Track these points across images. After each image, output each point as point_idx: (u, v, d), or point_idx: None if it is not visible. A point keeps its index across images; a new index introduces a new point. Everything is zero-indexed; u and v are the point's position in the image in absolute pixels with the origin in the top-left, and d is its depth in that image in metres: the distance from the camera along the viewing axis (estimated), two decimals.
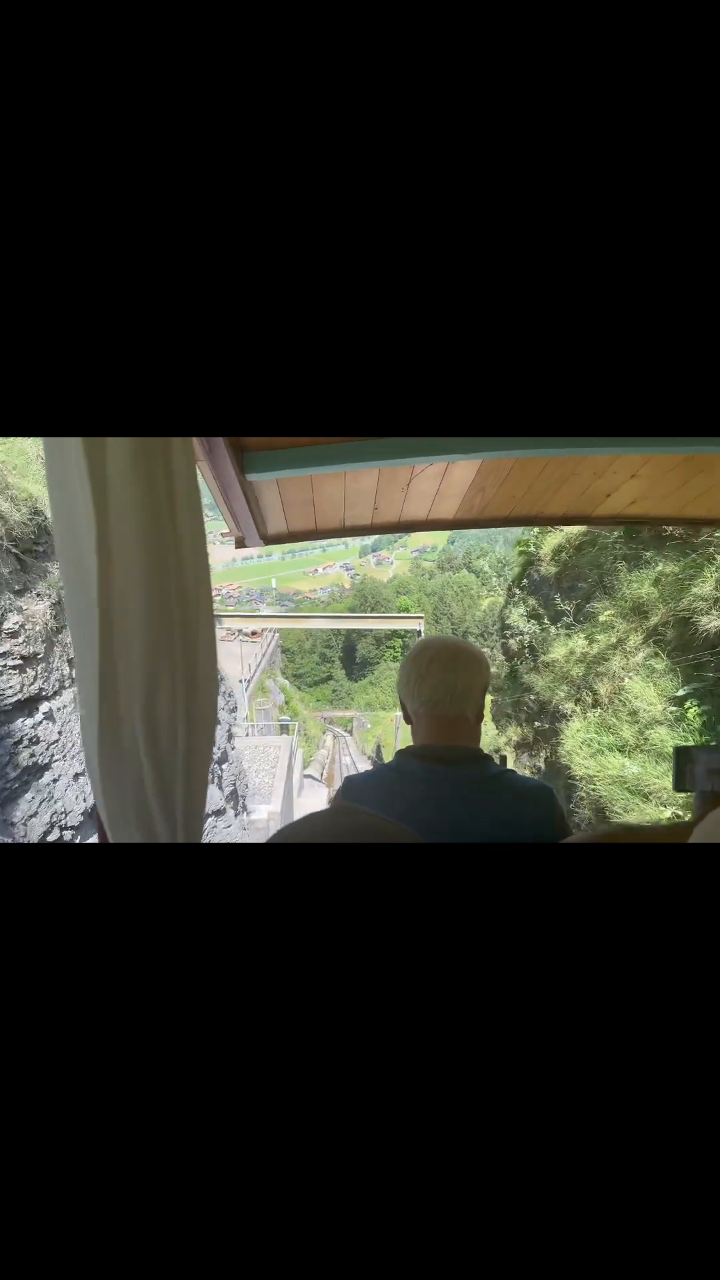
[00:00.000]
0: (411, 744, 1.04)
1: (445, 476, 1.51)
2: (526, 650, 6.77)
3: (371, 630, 54.78)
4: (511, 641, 7.52)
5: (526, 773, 6.98)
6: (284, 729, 14.85)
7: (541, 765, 6.15)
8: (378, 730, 34.35)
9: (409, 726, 1.06)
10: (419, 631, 11.62)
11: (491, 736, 8.16)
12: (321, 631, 56.57)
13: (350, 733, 38.01)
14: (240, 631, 19.83)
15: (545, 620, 6.39)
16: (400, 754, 1.01)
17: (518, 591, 7.50)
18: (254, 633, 19.48)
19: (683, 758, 0.90)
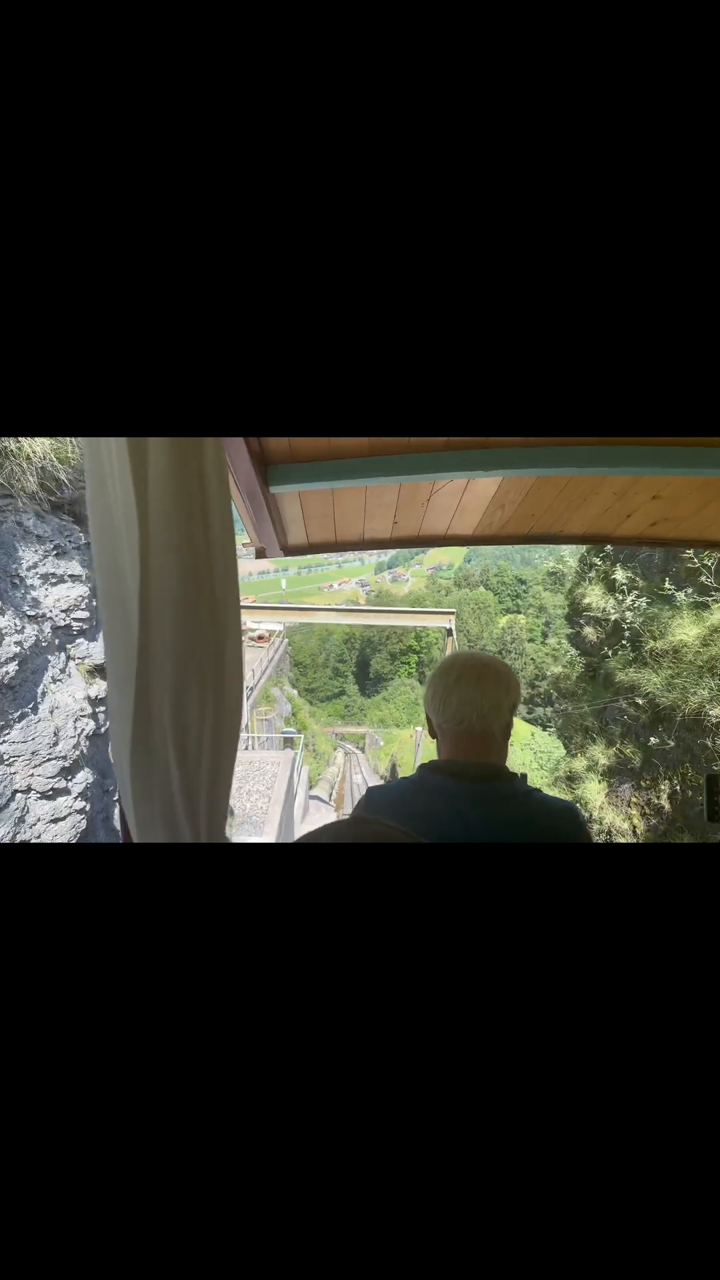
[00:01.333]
0: (436, 759, 0.99)
1: (466, 492, 1.47)
2: (624, 638, 4.68)
3: (386, 645, 52.84)
4: (589, 630, 5.41)
5: (634, 817, 5.04)
6: (288, 742, 12.75)
7: (664, 804, 4.03)
8: (392, 747, 32.13)
9: (432, 742, 1.03)
10: (449, 630, 9.57)
11: (555, 759, 6.03)
12: (335, 645, 54.81)
13: (363, 749, 36.08)
14: (245, 634, 17.91)
15: (666, 588, 4.30)
16: (423, 768, 0.96)
17: (597, 563, 5.44)
18: (260, 636, 17.53)
19: (715, 787, 0.89)
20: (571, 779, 4.95)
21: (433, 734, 1.01)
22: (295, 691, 21.87)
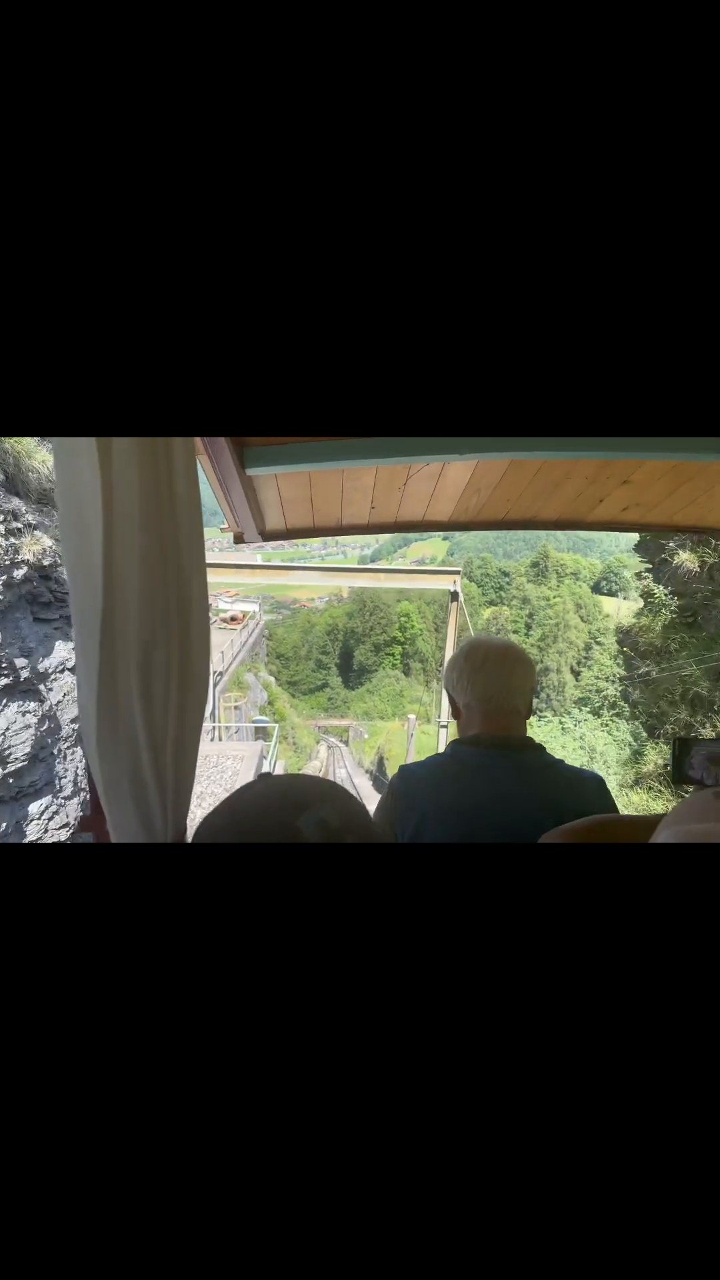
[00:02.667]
0: (462, 736, 1.03)
1: (441, 477, 1.49)
2: None
3: (370, 637, 51.29)
4: (685, 556, 3.66)
5: None
6: (260, 732, 10.84)
7: None
8: (378, 740, 30.35)
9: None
10: (454, 592, 7.95)
11: (624, 753, 4.29)
12: (318, 637, 53.03)
13: (346, 743, 34.40)
14: (216, 616, 15.94)
15: None
16: (454, 743, 1.00)
17: None
18: (233, 618, 15.64)
19: (682, 749, 0.89)
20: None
21: (456, 714, 1.05)
22: (273, 679, 19.67)
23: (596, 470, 1.42)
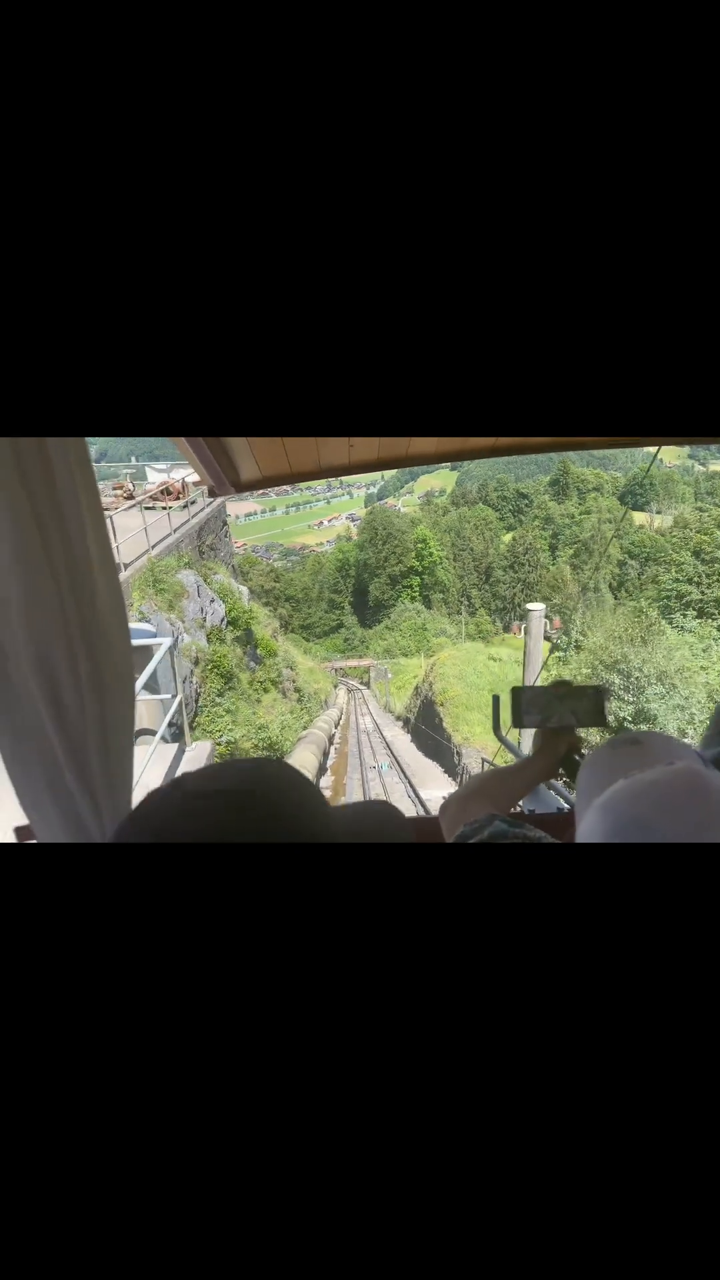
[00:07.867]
0: None
1: None
2: None
3: (385, 569, 44.48)
4: None
5: None
6: (158, 683, 4.02)
7: None
8: (407, 679, 24.26)
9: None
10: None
11: None
12: (328, 575, 46.65)
13: (368, 685, 28.45)
14: (142, 493, 9.46)
15: None
16: None
17: None
18: (166, 490, 9.15)
19: (518, 698, 0.90)
20: None
21: None
22: (245, 588, 11.23)
23: None
